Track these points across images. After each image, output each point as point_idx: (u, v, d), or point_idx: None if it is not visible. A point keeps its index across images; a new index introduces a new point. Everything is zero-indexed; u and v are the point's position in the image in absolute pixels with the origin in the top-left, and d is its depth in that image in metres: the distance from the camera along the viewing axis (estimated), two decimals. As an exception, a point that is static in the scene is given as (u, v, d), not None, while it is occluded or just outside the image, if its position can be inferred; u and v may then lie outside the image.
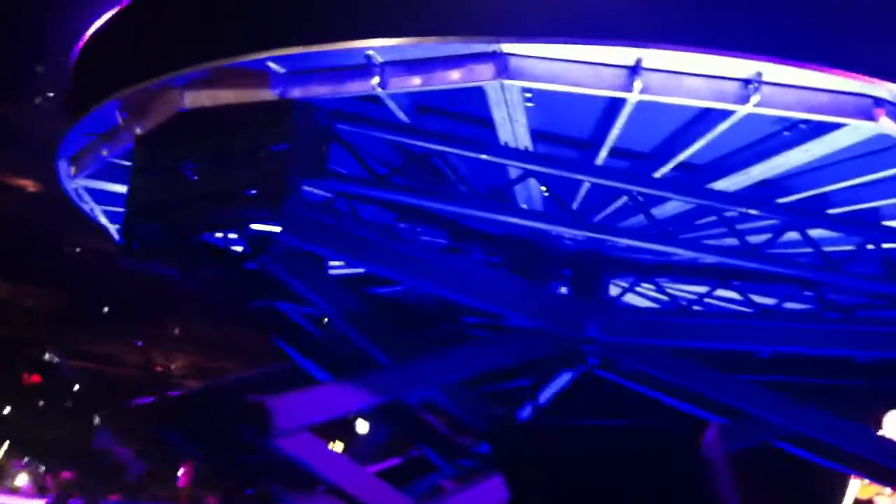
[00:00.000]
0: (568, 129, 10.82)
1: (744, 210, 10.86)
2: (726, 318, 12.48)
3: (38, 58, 27.95)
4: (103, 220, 13.31)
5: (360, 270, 12.56)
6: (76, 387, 31.12)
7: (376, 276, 12.00)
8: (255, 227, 10.23)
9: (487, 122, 10.33)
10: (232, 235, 10.80)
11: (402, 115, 10.39)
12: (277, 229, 10.17)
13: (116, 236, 12.59)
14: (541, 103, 9.89)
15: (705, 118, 9.88)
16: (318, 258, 11.21)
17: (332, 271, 12.54)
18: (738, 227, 11.24)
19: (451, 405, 12.10)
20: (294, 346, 12.70)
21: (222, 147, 10.12)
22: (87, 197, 12.77)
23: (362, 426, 19.77)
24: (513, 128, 10.33)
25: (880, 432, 15.49)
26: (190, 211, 10.32)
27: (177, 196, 10.30)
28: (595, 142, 10.66)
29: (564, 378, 12.36)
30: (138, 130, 10.70)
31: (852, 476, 14.25)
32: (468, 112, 10.52)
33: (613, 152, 10.67)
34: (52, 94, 26.71)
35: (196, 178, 10.14)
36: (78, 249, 29.37)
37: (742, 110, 9.19)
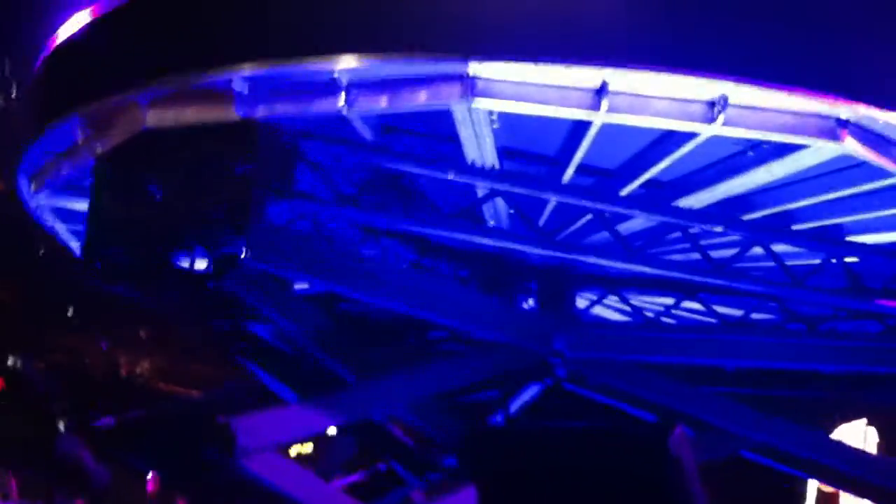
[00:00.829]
0: (535, 146, 10.80)
1: (708, 227, 10.94)
2: (692, 333, 12.58)
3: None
4: (66, 238, 13.12)
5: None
6: (40, 390, 30.72)
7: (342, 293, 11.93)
8: (220, 247, 10.12)
9: (454, 140, 10.29)
10: (197, 256, 10.67)
11: (367, 134, 10.32)
12: (242, 249, 10.06)
13: (77, 253, 12.42)
14: (508, 120, 9.84)
15: (671, 137, 9.89)
16: (284, 277, 11.12)
17: (297, 286, 12.46)
18: (704, 242, 11.32)
19: (418, 418, 12.09)
20: (260, 365, 12.61)
21: (187, 167, 9.97)
22: (49, 215, 12.58)
23: (331, 428, 19.72)
24: (479, 146, 10.30)
25: (840, 438, 15.71)
26: (154, 231, 10.18)
27: (140, 216, 10.14)
28: (562, 159, 10.65)
29: (532, 390, 12.40)
30: (100, 148, 10.53)
31: None
32: (434, 130, 10.46)
33: (580, 169, 10.67)
34: (14, 96, 26.30)
35: (160, 198, 10.01)
36: (41, 251, 28.99)
37: (707, 131, 9.21)
